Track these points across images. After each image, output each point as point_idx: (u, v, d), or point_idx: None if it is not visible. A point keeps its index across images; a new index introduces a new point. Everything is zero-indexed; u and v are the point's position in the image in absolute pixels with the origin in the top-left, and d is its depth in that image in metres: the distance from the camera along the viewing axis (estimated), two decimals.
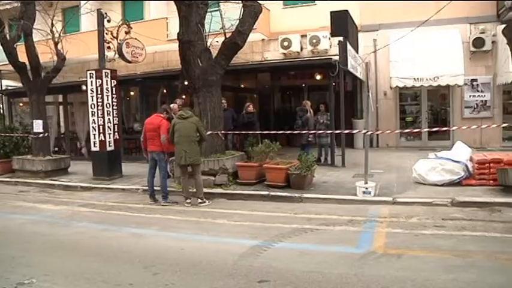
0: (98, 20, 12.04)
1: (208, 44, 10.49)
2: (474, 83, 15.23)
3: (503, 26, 9.34)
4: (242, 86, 18.24)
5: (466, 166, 9.06)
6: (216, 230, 6.84)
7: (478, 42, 14.86)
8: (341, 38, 11.42)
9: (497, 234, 6.09)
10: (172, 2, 10.16)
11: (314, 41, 15.71)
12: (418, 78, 14.24)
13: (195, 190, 8.72)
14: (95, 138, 11.62)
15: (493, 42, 14.68)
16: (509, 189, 8.08)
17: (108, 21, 12.12)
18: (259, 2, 10.71)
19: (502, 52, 13.28)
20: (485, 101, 15.25)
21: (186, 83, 11.30)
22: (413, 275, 4.66)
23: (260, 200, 8.78)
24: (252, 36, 13.15)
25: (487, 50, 14.87)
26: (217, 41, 10.73)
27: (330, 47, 15.33)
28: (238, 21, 10.38)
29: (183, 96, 13.49)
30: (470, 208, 7.50)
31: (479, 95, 15.29)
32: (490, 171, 8.81)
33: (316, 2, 16.72)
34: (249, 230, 6.73)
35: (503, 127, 12.75)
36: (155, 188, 9.10)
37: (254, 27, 11.10)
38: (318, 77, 16.28)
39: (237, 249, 5.66)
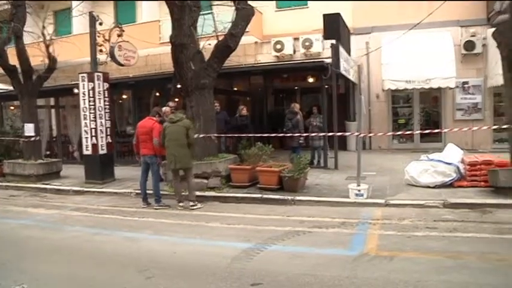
0: (90, 22, 12.01)
1: (200, 46, 10.50)
2: (465, 85, 15.33)
3: (493, 29, 9.42)
4: (235, 88, 18.25)
5: (458, 168, 9.13)
6: (209, 233, 6.82)
7: (469, 45, 14.97)
8: (333, 41, 11.46)
9: (488, 235, 6.15)
10: (165, 5, 10.16)
11: (307, 43, 15.78)
12: (410, 81, 14.32)
13: (187, 193, 8.71)
14: (87, 142, 11.56)
15: (483, 45, 14.79)
16: (500, 191, 8.15)
17: (100, 24, 12.10)
18: (252, 5, 10.75)
19: (492, 55, 13.38)
20: (477, 103, 15.35)
21: (179, 86, 11.30)
22: (405, 276, 4.68)
23: (253, 202, 8.77)
24: (245, 39, 13.20)
25: (478, 52, 14.99)
26: (209, 44, 10.75)
27: (323, 49, 15.38)
28: (230, 24, 10.41)
29: (176, 99, 13.48)
30: (461, 209, 7.55)
31: (470, 98, 15.39)
32: (481, 172, 8.87)
33: (308, 5, 16.76)
34: (242, 233, 6.72)
35: (494, 129, 12.83)
36: (148, 191, 9.07)
37: (247, 30, 11.14)
38: (311, 80, 16.35)
39: (229, 252, 5.65)
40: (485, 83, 15.09)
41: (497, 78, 12.94)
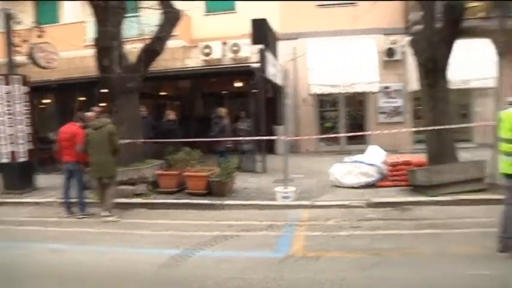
0: (5, 21, 11.33)
1: (126, 50, 10.25)
2: (387, 90, 16.07)
3: (410, 38, 10.02)
4: (163, 93, 17.97)
5: (380, 169, 9.53)
6: (136, 241, 6.66)
7: (390, 52, 15.77)
8: (261, 46, 11.60)
9: (407, 231, 6.55)
10: (89, 6, 9.83)
11: (235, 48, 15.86)
12: (335, 85, 14.81)
13: (112, 201, 8.39)
14: (4, 149, 10.89)
15: (403, 52, 15.59)
16: (418, 189, 8.64)
17: (18, 23, 11.44)
18: (180, 8, 10.66)
19: (410, 61, 14.09)
20: (398, 106, 16.17)
21: (104, 90, 10.96)
22: (331, 275, 4.84)
23: (181, 208, 8.64)
24: (173, 43, 13.05)
25: (398, 59, 15.80)
26: (135, 47, 10.52)
27: (251, 54, 15.50)
28: (157, 28, 10.26)
29: (103, 104, 13.06)
30: (384, 208, 7.94)
31: (392, 102, 16.18)
32: (401, 172, 9.34)
33: (237, 10, 16.86)
34: (170, 239, 6.63)
35: (413, 131, 13.54)
36: (72, 200, 8.68)
37: (175, 33, 11.02)
38: (239, 84, 16.42)
39: (158, 259, 5.57)
40: (405, 87, 15.88)
41: (415, 83, 13.68)
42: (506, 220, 5.25)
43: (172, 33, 10.83)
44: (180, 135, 11.61)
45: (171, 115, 12.65)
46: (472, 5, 13.36)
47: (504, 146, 5.21)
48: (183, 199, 9.02)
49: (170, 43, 10.82)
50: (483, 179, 8.56)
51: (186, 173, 9.48)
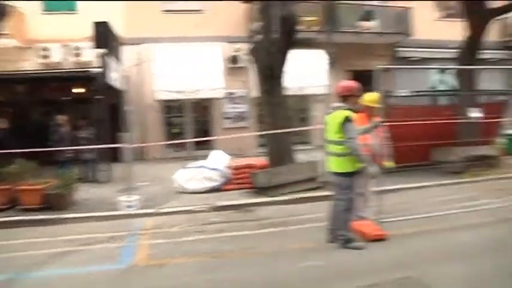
0: None
1: None
2: (232, 96, 16.76)
3: (251, 46, 10.61)
4: None
5: (224, 173, 9.85)
6: None
7: (235, 60, 16.50)
8: (103, 50, 11.23)
9: (250, 231, 6.91)
10: None
11: (76, 52, 15.14)
12: (181, 91, 15.01)
13: None
14: None
15: (246, 60, 16.29)
16: (260, 190, 9.17)
17: None
18: (9, 3, 9.82)
19: (253, 69, 14.87)
20: (243, 112, 16.98)
21: None
22: (174, 282, 4.90)
23: (14, 226, 7.81)
24: (4, 42, 11.97)
25: (242, 66, 16.53)
26: None
27: (93, 58, 14.85)
28: None
29: None
30: (228, 211, 8.26)
31: (236, 107, 16.93)
32: (245, 175, 9.80)
33: (78, 10, 16.03)
34: (1, 263, 5.92)
35: (257, 135, 14.28)
36: None
37: (6, 32, 10.10)
38: (81, 90, 15.62)
39: None
40: (249, 93, 16.63)
41: (256, 89, 14.43)
42: (334, 213, 5.85)
43: (1, 31, 9.92)
44: (13, 145, 10.60)
45: (1, 123, 11.54)
46: (307, 19, 14.61)
47: (332, 147, 5.75)
48: (16, 216, 8.23)
49: (1, 42, 9.86)
50: (316, 178, 9.40)
51: (19, 187, 8.69)
